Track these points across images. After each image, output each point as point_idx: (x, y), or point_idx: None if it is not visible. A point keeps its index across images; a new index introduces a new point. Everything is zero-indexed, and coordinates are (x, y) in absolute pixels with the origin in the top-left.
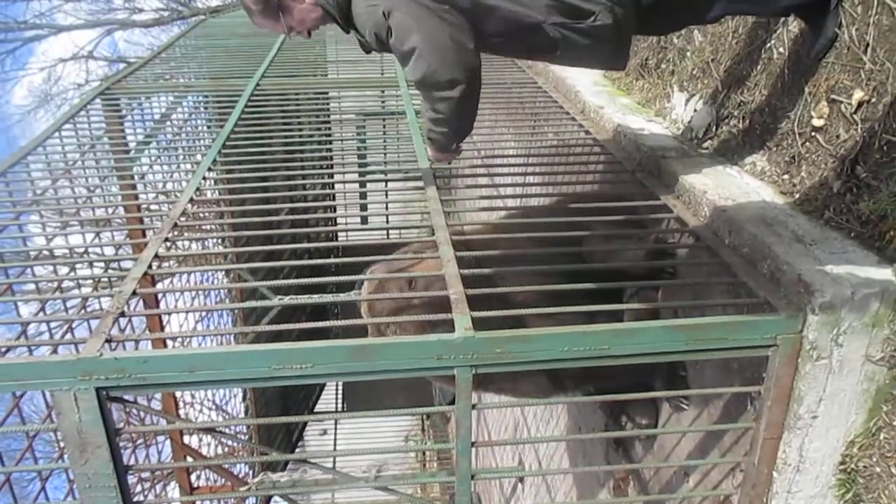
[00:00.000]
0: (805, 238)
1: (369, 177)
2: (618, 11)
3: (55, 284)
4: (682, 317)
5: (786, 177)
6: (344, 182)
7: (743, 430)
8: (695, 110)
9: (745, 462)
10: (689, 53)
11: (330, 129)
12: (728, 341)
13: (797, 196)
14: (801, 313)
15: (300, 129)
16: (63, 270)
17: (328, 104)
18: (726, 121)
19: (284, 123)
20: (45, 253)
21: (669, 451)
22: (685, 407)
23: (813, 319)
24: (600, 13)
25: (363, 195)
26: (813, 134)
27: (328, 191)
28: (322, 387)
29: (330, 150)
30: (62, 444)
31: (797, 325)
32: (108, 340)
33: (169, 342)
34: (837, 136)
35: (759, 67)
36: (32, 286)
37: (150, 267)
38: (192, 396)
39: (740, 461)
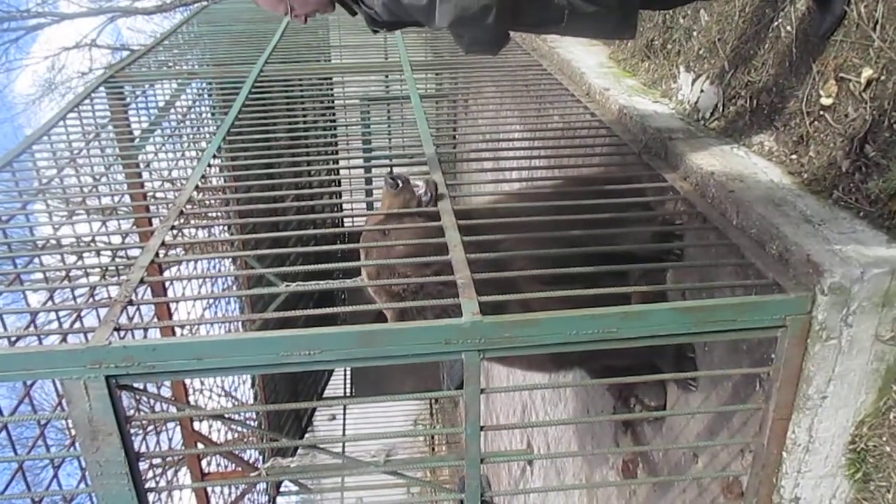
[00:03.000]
0: (814, 218)
1: (374, 162)
2: None
3: (63, 273)
4: (690, 299)
5: (794, 157)
6: (349, 168)
7: (752, 411)
8: (701, 91)
9: (754, 443)
10: (695, 33)
11: (334, 114)
12: (737, 323)
13: (805, 176)
14: (810, 294)
15: (304, 115)
16: (70, 259)
17: (332, 90)
18: (733, 101)
19: (289, 109)
20: (52, 242)
21: (678, 433)
22: (693, 388)
23: (822, 300)
24: None
25: (368, 180)
26: (821, 113)
27: (333, 177)
28: (331, 372)
29: (335, 135)
30: (73, 432)
31: (806, 306)
32: (117, 329)
33: (177, 329)
34: (846, 115)
35: (766, 46)
36: (40, 275)
37: (157, 255)
38: (202, 383)
39: (749, 442)
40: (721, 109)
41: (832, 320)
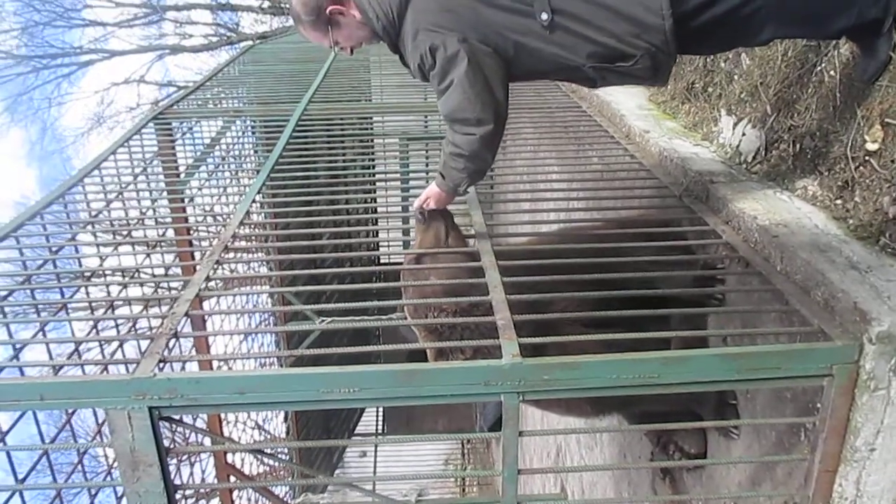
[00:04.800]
0: (860, 265)
1: (413, 201)
2: (658, 55)
3: (106, 303)
4: (733, 345)
5: (839, 202)
6: (387, 206)
7: (797, 461)
8: (743, 134)
9: (799, 495)
10: (736, 77)
11: (374, 153)
12: (781, 371)
13: (851, 221)
14: (857, 342)
15: (344, 154)
16: (114, 290)
17: (372, 129)
18: (776, 145)
19: (330, 148)
20: (99, 272)
21: (719, 482)
22: (735, 436)
23: (870, 349)
24: (641, 57)
25: (406, 220)
26: (866, 158)
27: (371, 215)
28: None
29: (374, 174)
30: (110, 461)
31: (853, 355)
32: (162, 361)
33: (215, 362)
34: (892, 161)
35: (809, 91)
36: (84, 304)
37: (202, 289)
38: (236, 416)
39: (794, 494)
40: (763, 153)
41: (880, 370)
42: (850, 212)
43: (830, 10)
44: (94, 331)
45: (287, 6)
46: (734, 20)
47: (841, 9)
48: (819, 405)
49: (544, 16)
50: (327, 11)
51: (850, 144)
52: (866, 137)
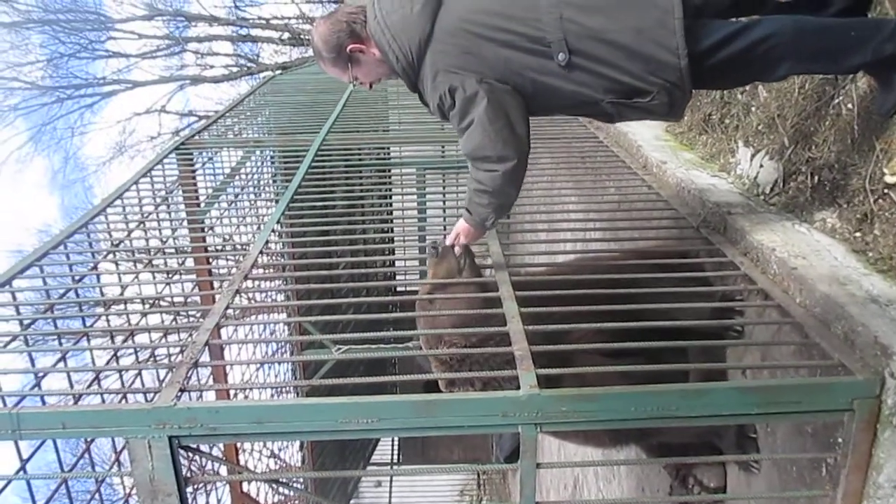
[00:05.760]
0: (880, 298)
1: (429, 229)
2: (675, 92)
3: (126, 331)
4: (752, 377)
5: (858, 234)
6: (404, 235)
7: (818, 497)
8: (761, 166)
9: None
10: (753, 109)
11: (391, 184)
12: (801, 405)
13: (870, 254)
14: (878, 377)
15: (362, 184)
16: (134, 318)
17: (390, 159)
18: (794, 177)
19: (347, 179)
20: (120, 301)
21: None
22: (755, 470)
23: (891, 383)
24: (658, 93)
25: (423, 249)
26: (885, 191)
27: (388, 244)
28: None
29: (391, 203)
30: (128, 489)
31: (874, 389)
32: (182, 390)
33: (231, 391)
34: None
35: (827, 123)
36: (105, 332)
37: (222, 318)
38: (251, 444)
39: None
40: (781, 185)
41: None
42: (869, 244)
43: (845, 47)
44: (115, 359)
45: (307, 37)
46: (750, 58)
47: (856, 45)
48: (840, 440)
49: (561, 56)
50: (348, 49)
51: (868, 177)
52: (885, 170)
